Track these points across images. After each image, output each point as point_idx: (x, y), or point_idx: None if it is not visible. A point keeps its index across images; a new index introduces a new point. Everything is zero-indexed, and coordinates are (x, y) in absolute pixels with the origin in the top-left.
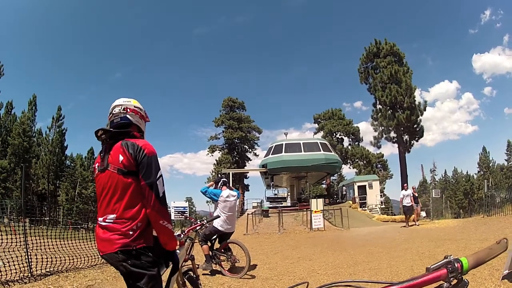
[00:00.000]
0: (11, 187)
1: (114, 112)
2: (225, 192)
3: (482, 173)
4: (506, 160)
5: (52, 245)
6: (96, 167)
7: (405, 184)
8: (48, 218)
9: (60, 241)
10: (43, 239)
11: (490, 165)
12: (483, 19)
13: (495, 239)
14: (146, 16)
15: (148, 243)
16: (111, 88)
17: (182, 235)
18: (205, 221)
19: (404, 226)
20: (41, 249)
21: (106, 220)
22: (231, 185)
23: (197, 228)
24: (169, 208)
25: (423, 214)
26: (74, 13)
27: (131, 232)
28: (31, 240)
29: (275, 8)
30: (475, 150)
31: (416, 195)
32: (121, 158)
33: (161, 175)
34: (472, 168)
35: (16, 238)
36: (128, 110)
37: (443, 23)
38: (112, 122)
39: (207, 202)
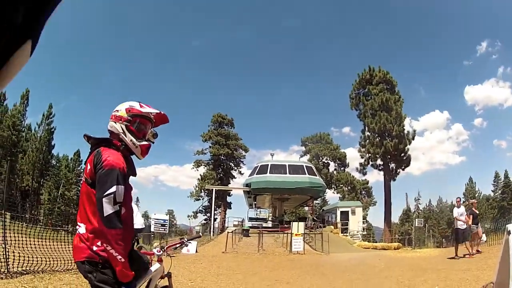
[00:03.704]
0: None
1: None
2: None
3: (467, 203)
4: (492, 191)
5: (31, 244)
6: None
7: (458, 199)
8: (29, 216)
9: (38, 241)
10: (22, 236)
11: (476, 195)
12: (479, 51)
13: (477, 270)
14: (144, 24)
15: None
16: (103, 92)
17: (161, 251)
18: (185, 238)
19: (453, 257)
20: (19, 246)
21: (79, 230)
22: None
23: (177, 245)
24: (150, 219)
25: (484, 238)
26: (72, 13)
27: (94, 248)
28: (10, 236)
29: (270, 28)
30: (462, 181)
31: (477, 212)
32: (88, 167)
33: (112, 193)
34: None
35: None
36: (111, 118)
37: (438, 54)
38: None
39: (188, 216)
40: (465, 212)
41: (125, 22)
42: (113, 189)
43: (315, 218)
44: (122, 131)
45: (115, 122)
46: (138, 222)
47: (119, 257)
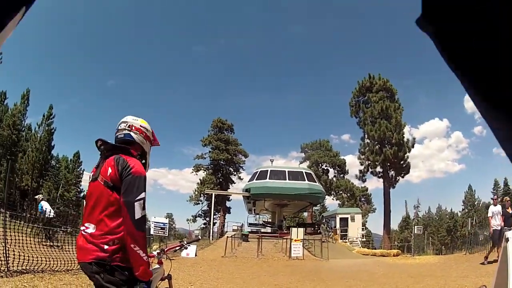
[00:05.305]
0: None
1: (119, 127)
2: (44, 203)
3: (466, 210)
4: (492, 198)
5: (30, 243)
6: (90, 175)
7: (495, 197)
8: (28, 216)
9: (38, 241)
10: (22, 235)
11: (476, 203)
12: None
13: (476, 277)
14: (146, 28)
15: (125, 263)
16: (103, 96)
17: (161, 254)
18: (185, 242)
19: (482, 263)
20: (19, 245)
21: (86, 230)
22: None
23: (177, 248)
24: (149, 222)
25: None
26: (78, 16)
27: (106, 247)
28: (10, 235)
29: (271, 35)
30: (461, 188)
31: (510, 212)
32: (109, 171)
33: (142, 198)
34: (456, 206)
35: None
36: (133, 128)
37: (438, 61)
38: (116, 137)
39: (188, 220)
40: (501, 211)
41: (127, 27)
42: (143, 195)
43: (327, 228)
44: (148, 151)
45: (145, 140)
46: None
47: (145, 256)
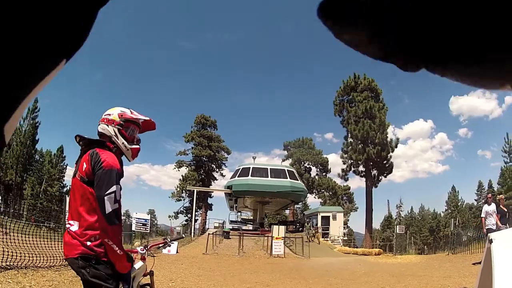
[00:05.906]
0: None
1: None
2: None
3: (449, 211)
4: (475, 200)
5: (14, 239)
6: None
7: (489, 195)
8: (12, 211)
9: (21, 236)
10: (6, 231)
11: (459, 204)
12: None
13: (459, 277)
14: (131, 23)
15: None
16: (89, 89)
17: (145, 250)
18: (168, 239)
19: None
20: (3, 241)
21: (71, 228)
22: None
23: (160, 245)
24: (131, 219)
25: None
26: None
27: (88, 243)
28: None
29: (256, 32)
30: (444, 189)
31: (505, 210)
32: (84, 166)
33: (113, 192)
34: (439, 207)
35: None
36: (99, 122)
37: None
38: None
39: (169, 216)
40: (496, 210)
41: (114, 21)
42: (114, 188)
43: (311, 227)
44: (114, 134)
45: (108, 125)
46: None
47: (119, 251)
